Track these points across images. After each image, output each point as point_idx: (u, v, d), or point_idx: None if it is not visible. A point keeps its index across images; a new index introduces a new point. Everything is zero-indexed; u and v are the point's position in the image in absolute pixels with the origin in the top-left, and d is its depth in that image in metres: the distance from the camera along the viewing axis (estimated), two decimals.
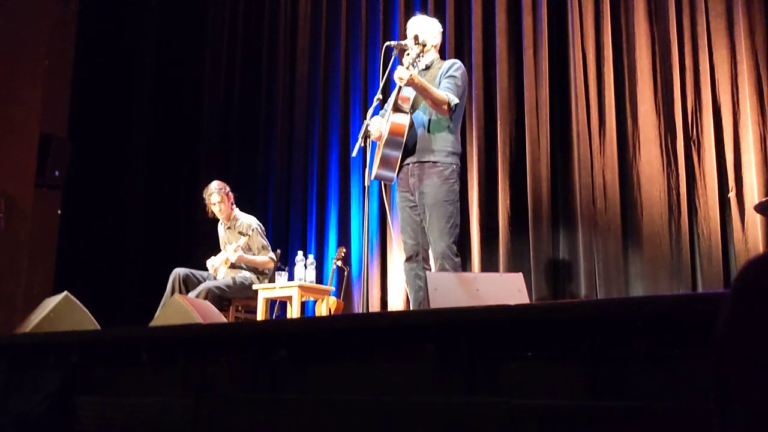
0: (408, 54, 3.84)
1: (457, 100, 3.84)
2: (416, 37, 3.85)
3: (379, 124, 3.98)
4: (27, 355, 3.41)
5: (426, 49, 4.04)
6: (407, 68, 3.69)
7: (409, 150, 3.90)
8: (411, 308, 4.09)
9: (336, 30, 6.83)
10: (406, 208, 3.98)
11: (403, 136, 3.85)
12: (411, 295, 3.98)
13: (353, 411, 2.30)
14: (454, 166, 3.88)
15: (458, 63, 4.02)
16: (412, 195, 3.93)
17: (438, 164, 3.84)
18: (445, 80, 3.90)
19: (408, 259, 3.96)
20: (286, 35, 7.15)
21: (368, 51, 6.54)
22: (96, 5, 7.36)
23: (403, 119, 3.86)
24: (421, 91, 3.79)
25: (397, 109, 3.87)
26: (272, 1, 7.32)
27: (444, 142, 3.87)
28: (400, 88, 3.80)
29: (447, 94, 3.81)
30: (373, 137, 3.90)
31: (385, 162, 3.91)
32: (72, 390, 3.10)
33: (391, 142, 3.86)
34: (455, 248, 3.82)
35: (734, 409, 0.51)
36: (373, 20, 6.58)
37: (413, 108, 3.92)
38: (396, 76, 3.76)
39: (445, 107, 3.80)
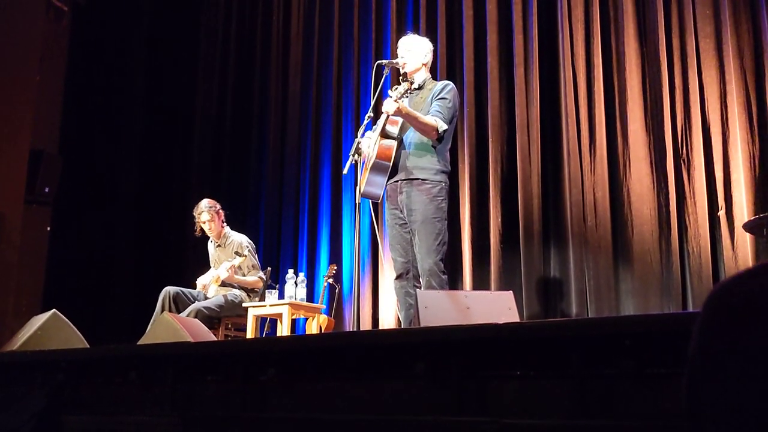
0: (396, 88, 3.86)
1: (445, 126, 3.86)
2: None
3: (367, 145, 4.00)
4: (14, 373, 3.37)
5: (417, 67, 4.07)
6: (395, 101, 3.71)
7: (398, 167, 3.91)
8: (402, 326, 4.08)
9: (328, 48, 6.86)
10: (395, 225, 3.98)
11: (389, 161, 3.88)
12: (401, 313, 3.97)
13: (342, 430, 2.28)
14: (443, 184, 3.89)
15: (450, 85, 4.03)
16: (401, 212, 3.93)
17: (426, 182, 3.85)
18: (436, 102, 3.92)
19: (398, 277, 3.96)
20: (278, 53, 7.17)
21: (360, 69, 6.57)
22: (87, 22, 7.37)
23: (391, 144, 3.89)
24: (411, 120, 3.82)
25: (385, 134, 3.88)
26: (264, 19, 7.35)
27: (433, 161, 3.89)
28: (388, 116, 3.82)
29: (436, 119, 3.83)
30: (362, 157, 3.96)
31: (371, 183, 3.94)
32: (59, 408, 3.07)
33: (378, 166, 3.89)
34: (442, 265, 3.82)
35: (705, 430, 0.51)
36: (365, 39, 6.61)
37: (402, 130, 3.93)
38: (384, 109, 3.79)
39: (433, 134, 3.82)
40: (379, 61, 4.18)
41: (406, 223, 3.92)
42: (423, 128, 3.82)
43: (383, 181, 3.93)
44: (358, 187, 3.93)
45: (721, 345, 0.50)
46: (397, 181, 3.92)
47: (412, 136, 3.93)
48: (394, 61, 4.16)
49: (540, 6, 5.55)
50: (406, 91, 3.78)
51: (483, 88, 5.71)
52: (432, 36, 5.40)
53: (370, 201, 4.30)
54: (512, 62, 5.58)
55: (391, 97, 3.77)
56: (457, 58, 5.96)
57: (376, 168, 3.89)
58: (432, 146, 3.90)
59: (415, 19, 6.28)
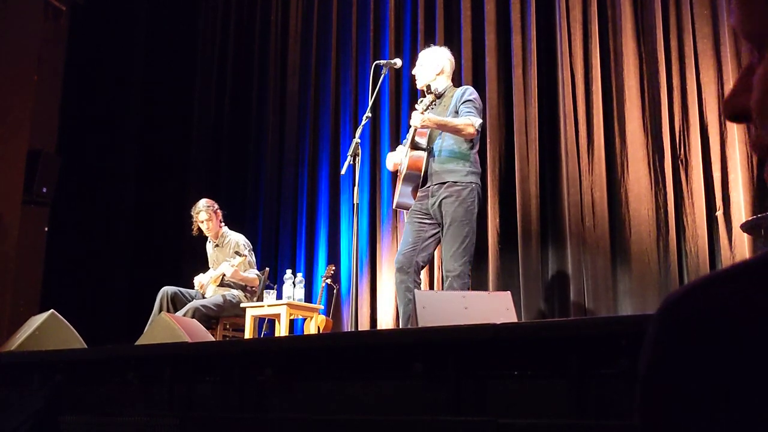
0: (422, 101, 3.94)
1: (480, 120, 3.93)
2: (428, 87, 3.92)
3: (397, 159, 4.13)
4: (11, 373, 3.37)
5: (429, 79, 4.12)
6: (421, 113, 3.75)
7: (428, 176, 3.97)
8: (400, 322, 4.10)
9: (326, 48, 6.86)
10: (414, 221, 4.03)
11: (420, 171, 3.97)
12: (400, 308, 4.00)
13: (340, 430, 2.28)
14: (473, 185, 3.93)
15: (471, 88, 4.13)
16: (424, 210, 3.97)
17: (457, 184, 3.90)
18: (463, 106, 3.96)
19: (399, 270, 3.97)
20: (276, 52, 7.17)
21: (358, 69, 6.57)
22: (86, 21, 7.36)
23: (421, 155, 3.97)
24: (442, 127, 3.86)
25: (415, 146, 3.95)
26: (263, 19, 7.34)
27: (463, 163, 3.94)
28: (416, 129, 3.87)
29: (469, 118, 3.87)
30: (390, 168, 4.20)
31: (404, 194, 4.06)
32: (56, 409, 3.07)
33: (410, 177, 4.00)
34: (467, 269, 3.86)
35: None
36: (363, 39, 6.61)
37: (430, 140, 3.98)
38: (412, 123, 3.85)
39: (471, 130, 3.86)
40: (378, 62, 4.21)
41: (425, 222, 3.96)
42: (458, 130, 3.86)
43: (415, 191, 4.04)
44: (356, 188, 3.99)
45: (675, 363, 0.49)
46: (428, 186, 3.98)
47: (441, 144, 3.98)
48: (392, 61, 4.20)
49: (538, 6, 5.55)
50: (431, 103, 3.83)
51: (481, 88, 5.70)
52: (430, 36, 5.41)
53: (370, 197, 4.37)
54: (510, 63, 5.58)
55: (417, 110, 3.83)
56: (455, 58, 5.94)
57: (408, 179, 4.00)
58: (463, 148, 3.93)
59: (413, 19, 6.28)
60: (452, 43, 5.96)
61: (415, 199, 4.05)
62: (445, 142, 3.95)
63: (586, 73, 5.25)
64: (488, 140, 5.54)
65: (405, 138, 4.28)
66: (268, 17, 7.29)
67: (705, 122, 4.77)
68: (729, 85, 4.66)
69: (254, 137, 7.14)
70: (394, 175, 4.40)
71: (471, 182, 3.92)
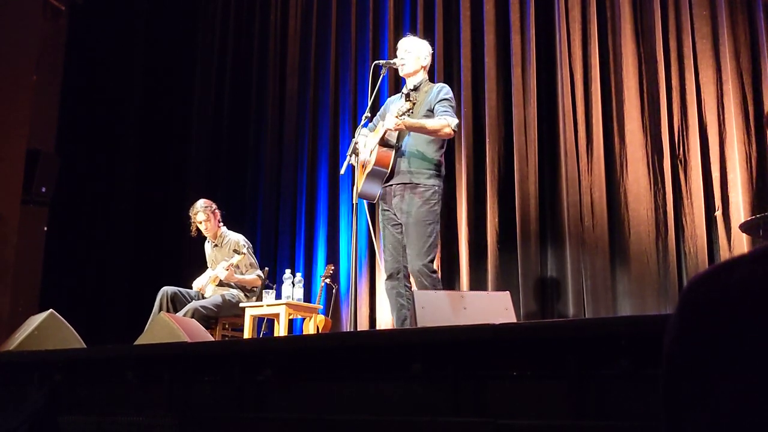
0: (398, 99, 3.91)
1: (457, 120, 3.92)
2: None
3: (363, 144, 4.06)
4: (10, 373, 3.37)
5: (415, 69, 4.09)
6: (397, 117, 3.75)
7: (394, 172, 3.95)
8: (394, 327, 4.09)
9: (326, 48, 6.86)
10: (388, 226, 4.01)
11: (387, 168, 3.94)
12: (393, 314, 3.99)
13: (339, 431, 2.28)
14: (436, 188, 3.92)
15: (447, 87, 4.09)
16: (394, 214, 3.96)
17: (420, 186, 3.89)
18: (439, 105, 3.95)
19: (389, 277, 3.98)
20: (275, 53, 7.17)
21: (357, 69, 6.57)
22: (85, 21, 7.36)
23: (389, 151, 3.93)
24: (419, 130, 3.84)
25: (384, 143, 3.92)
26: (262, 19, 7.34)
27: (427, 165, 3.92)
28: (387, 130, 3.85)
29: (445, 118, 3.85)
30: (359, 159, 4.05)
31: (368, 187, 4.01)
32: (55, 409, 3.07)
33: (376, 173, 3.95)
34: (432, 266, 3.85)
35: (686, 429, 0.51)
36: (362, 39, 6.61)
37: (399, 138, 3.97)
38: (386, 126, 3.83)
39: (447, 130, 3.84)
40: (377, 62, 4.19)
41: (398, 225, 3.95)
42: (434, 131, 3.85)
43: (380, 185, 4.00)
44: (354, 189, 3.97)
45: (700, 341, 0.51)
46: (391, 185, 3.95)
47: (409, 142, 3.96)
48: (392, 61, 4.18)
49: (537, 6, 5.55)
50: (408, 110, 3.81)
51: (480, 88, 5.72)
52: (429, 36, 5.39)
53: (366, 202, 4.33)
54: (509, 62, 5.58)
55: (391, 112, 3.82)
56: (454, 58, 5.96)
57: (374, 174, 3.96)
58: (428, 150, 3.93)
59: (413, 19, 6.28)
60: (452, 43, 5.97)
61: (377, 194, 4.02)
62: (413, 142, 3.94)
63: (585, 73, 5.25)
64: (487, 140, 5.54)
65: (368, 126, 4.21)
66: (267, 17, 7.29)
67: (704, 122, 4.77)
68: (728, 85, 4.68)
69: (253, 137, 7.13)
70: None
71: (433, 185, 3.92)
